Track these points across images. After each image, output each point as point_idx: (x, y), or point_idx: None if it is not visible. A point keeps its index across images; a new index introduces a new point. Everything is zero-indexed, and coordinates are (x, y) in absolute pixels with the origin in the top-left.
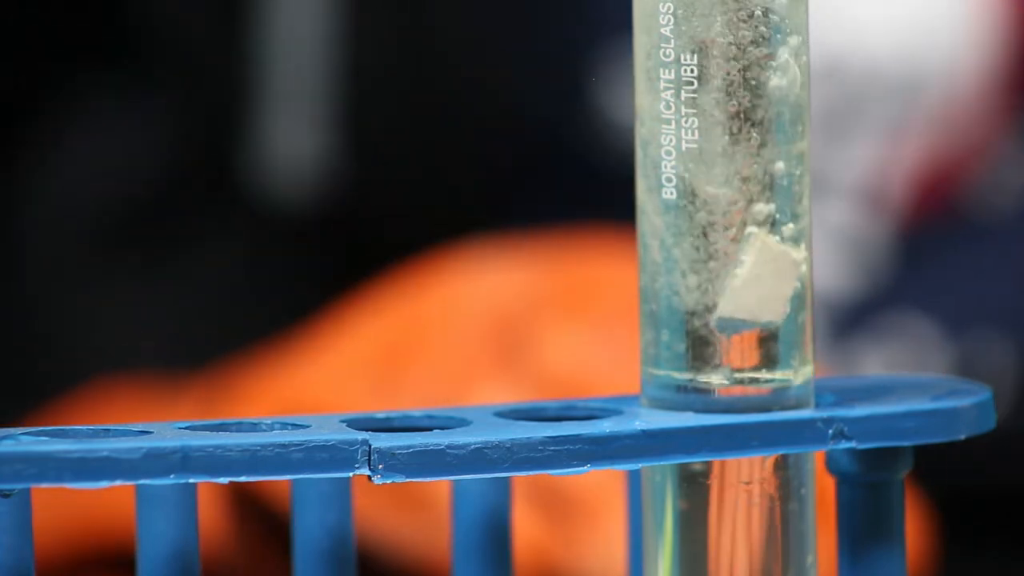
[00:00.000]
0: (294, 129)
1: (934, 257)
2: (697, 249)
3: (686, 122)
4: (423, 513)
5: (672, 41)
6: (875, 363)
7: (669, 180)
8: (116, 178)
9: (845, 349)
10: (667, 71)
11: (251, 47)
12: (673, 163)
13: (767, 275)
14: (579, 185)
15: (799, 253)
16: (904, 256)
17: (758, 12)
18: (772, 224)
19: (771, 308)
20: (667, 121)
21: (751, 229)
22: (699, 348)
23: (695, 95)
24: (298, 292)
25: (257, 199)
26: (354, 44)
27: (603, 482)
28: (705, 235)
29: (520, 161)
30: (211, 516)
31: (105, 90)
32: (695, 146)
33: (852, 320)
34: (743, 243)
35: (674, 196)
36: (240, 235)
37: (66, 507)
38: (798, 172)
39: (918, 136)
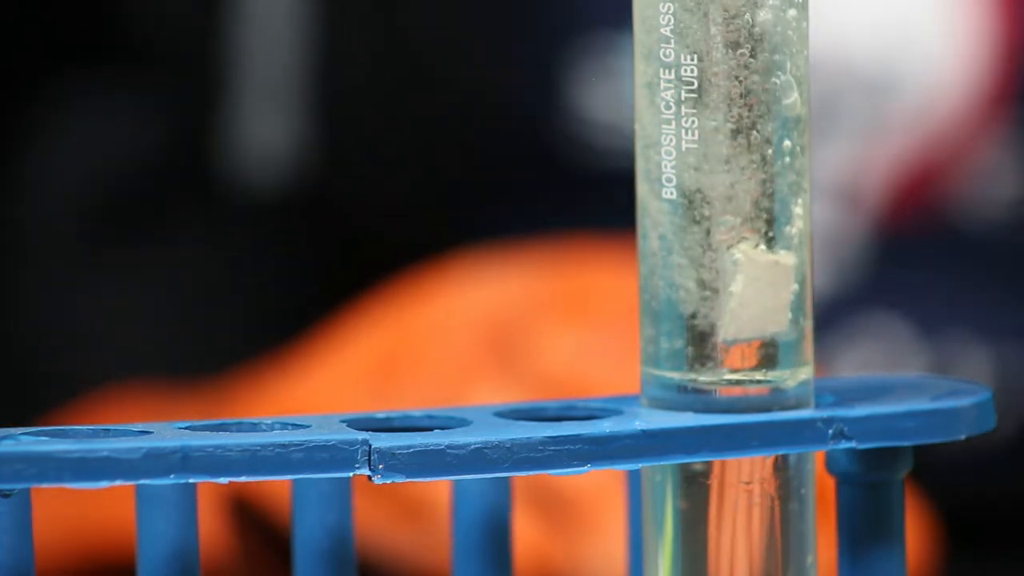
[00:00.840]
0: (271, 121)
1: (911, 259)
2: (698, 248)
3: (686, 122)
4: (422, 522)
5: (672, 41)
6: (848, 362)
7: (669, 180)
8: (98, 173)
9: (818, 348)
10: (667, 71)
11: (229, 38)
12: (673, 163)
13: (762, 290)
14: (556, 178)
15: (791, 258)
16: (880, 256)
17: (757, 16)
18: (772, 223)
19: (774, 320)
20: (667, 121)
21: (738, 248)
22: (699, 348)
23: (695, 95)
24: (284, 287)
25: (236, 192)
26: (331, 37)
27: (602, 483)
28: (706, 235)
29: (497, 152)
30: (211, 527)
31: (83, 84)
32: (695, 146)
33: (826, 319)
34: (732, 263)
35: (674, 196)
36: (221, 229)
37: (73, 511)
38: (797, 171)
39: (894, 137)
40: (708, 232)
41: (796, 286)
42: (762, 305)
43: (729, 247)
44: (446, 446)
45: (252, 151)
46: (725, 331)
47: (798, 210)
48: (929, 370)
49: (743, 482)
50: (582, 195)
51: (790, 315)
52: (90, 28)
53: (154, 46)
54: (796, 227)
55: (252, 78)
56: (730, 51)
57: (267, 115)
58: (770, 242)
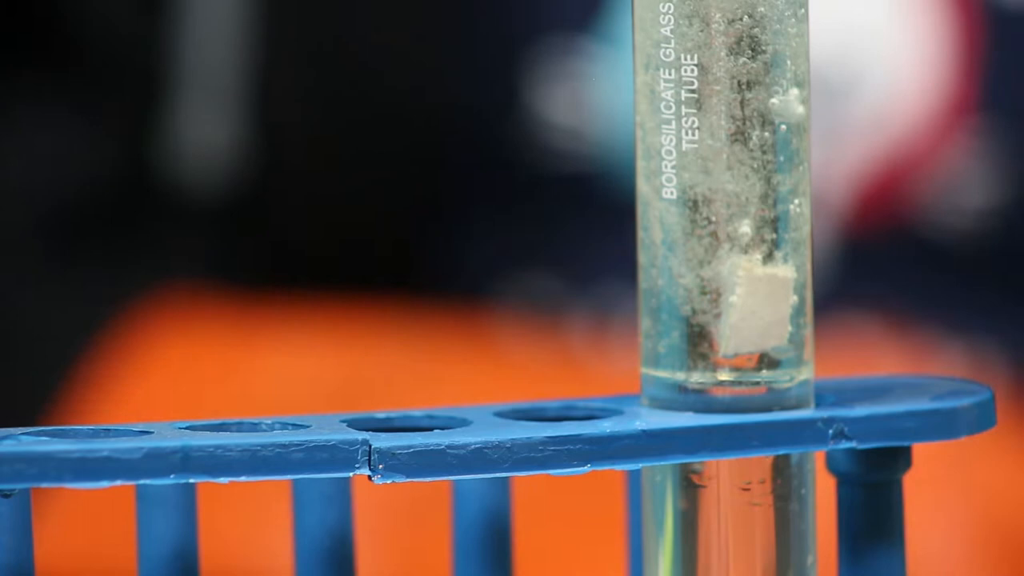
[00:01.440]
0: (210, 122)
1: (877, 260)
2: (699, 248)
3: (686, 122)
4: None
5: (672, 41)
6: (820, 364)
7: (670, 180)
8: (39, 179)
9: None
10: (667, 71)
11: (171, 40)
12: (673, 163)
13: (761, 305)
14: (515, 182)
15: (790, 271)
16: (847, 258)
17: (757, 17)
18: (773, 224)
19: (774, 333)
20: (667, 121)
21: (737, 260)
22: (699, 348)
23: (695, 95)
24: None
25: (178, 195)
26: (275, 39)
27: None
28: (707, 236)
29: (453, 155)
30: None
31: (20, 89)
32: (695, 146)
33: None
34: (732, 269)
35: (675, 196)
36: (165, 232)
37: None
38: (797, 173)
39: (857, 141)
40: (709, 233)
41: (795, 298)
42: (761, 318)
43: (729, 254)
44: (446, 446)
45: (193, 153)
46: (725, 345)
47: (799, 211)
48: (902, 370)
49: (743, 482)
50: (540, 198)
51: (790, 327)
52: (26, 32)
53: (93, 50)
54: (796, 228)
55: (193, 79)
56: (730, 52)
57: (209, 117)
58: (771, 244)
